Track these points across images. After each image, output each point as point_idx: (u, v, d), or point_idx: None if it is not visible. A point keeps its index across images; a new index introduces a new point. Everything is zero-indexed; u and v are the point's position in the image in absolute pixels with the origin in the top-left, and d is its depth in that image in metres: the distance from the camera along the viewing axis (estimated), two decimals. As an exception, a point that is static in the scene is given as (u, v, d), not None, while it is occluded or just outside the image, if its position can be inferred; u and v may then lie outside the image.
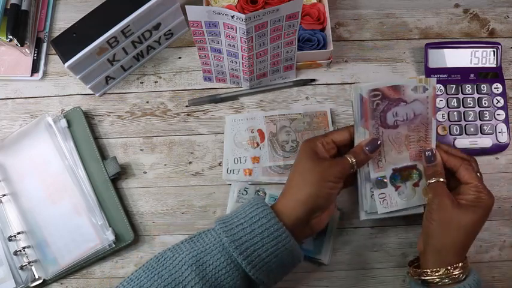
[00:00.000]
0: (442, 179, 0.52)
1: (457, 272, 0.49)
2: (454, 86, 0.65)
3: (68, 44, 0.60)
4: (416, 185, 0.55)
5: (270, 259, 0.47)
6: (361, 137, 0.53)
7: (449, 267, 0.49)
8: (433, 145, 0.54)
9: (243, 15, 0.52)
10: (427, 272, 0.50)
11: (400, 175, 0.55)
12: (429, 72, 0.66)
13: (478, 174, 0.53)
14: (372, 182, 0.55)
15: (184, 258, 0.47)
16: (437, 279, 0.50)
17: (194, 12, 0.54)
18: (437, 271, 0.50)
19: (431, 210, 0.51)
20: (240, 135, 0.65)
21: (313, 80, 0.68)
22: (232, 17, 0.53)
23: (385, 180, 0.55)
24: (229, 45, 0.59)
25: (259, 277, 0.47)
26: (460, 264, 0.50)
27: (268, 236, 0.47)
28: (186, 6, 0.54)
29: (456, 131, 0.64)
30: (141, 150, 0.66)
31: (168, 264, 0.47)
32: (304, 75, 0.68)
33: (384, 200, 0.55)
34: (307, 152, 0.52)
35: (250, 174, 0.64)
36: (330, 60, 0.67)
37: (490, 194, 0.51)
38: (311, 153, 0.52)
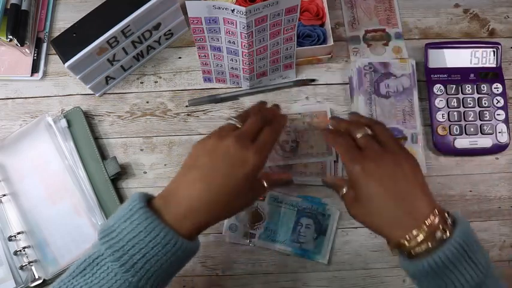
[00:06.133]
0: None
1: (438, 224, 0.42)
2: (454, 86, 0.65)
3: (68, 44, 0.60)
4: None
5: (168, 275, 0.44)
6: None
7: (425, 223, 0.42)
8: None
9: (243, 8, 0.53)
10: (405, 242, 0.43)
11: None
12: (429, 72, 0.66)
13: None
14: None
15: None
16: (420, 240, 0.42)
17: (195, 8, 0.55)
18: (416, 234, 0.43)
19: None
20: (240, 135, 0.65)
21: (313, 80, 0.68)
22: (233, 10, 0.54)
23: None
24: (229, 42, 0.60)
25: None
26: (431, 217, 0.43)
27: (165, 254, 0.42)
28: (186, 1, 0.54)
29: (456, 131, 0.64)
30: (141, 150, 0.66)
31: None
32: (305, 75, 0.68)
33: None
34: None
35: (250, 174, 0.64)
36: (330, 56, 0.67)
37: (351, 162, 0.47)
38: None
